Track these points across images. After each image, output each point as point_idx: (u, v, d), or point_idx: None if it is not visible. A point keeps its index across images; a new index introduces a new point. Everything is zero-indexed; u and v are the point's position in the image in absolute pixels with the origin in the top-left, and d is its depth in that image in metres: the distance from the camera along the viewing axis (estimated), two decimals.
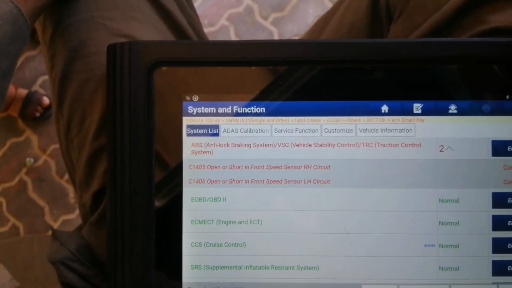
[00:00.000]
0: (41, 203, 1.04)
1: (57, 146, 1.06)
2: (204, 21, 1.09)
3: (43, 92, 1.07)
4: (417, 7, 0.38)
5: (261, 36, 1.07)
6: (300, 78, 0.28)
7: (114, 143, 0.29)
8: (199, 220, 0.29)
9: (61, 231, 0.33)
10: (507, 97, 0.28)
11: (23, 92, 1.03)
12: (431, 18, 0.35)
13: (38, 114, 1.03)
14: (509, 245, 0.28)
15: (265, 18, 1.08)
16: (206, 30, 1.09)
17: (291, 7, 1.09)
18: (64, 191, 1.04)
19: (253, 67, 0.29)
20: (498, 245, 0.28)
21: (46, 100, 1.03)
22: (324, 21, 0.54)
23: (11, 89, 1.01)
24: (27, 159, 1.05)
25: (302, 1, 1.08)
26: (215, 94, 0.29)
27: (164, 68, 0.29)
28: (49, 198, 1.04)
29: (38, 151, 1.06)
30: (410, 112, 0.28)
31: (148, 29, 0.36)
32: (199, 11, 1.09)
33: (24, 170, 1.05)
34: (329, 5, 1.06)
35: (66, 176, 1.05)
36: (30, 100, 1.02)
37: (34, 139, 1.07)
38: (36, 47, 1.08)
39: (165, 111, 0.29)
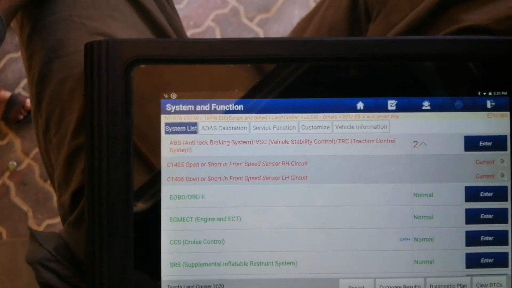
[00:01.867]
0: (25, 207, 1.03)
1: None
2: (190, 22, 1.09)
3: (26, 94, 1.06)
4: (393, 7, 0.39)
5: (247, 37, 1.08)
6: (277, 76, 0.29)
7: (92, 142, 0.29)
8: (178, 218, 0.29)
9: (39, 232, 0.32)
10: (479, 93, 0.28)
11: (6, 94, 1.01)
12: (407, 18, 0.36)
13: (21, 117, 1.02)
14: (482, 238, 0.28)
15: (251, 19, 1.09)
16: (192, 31, 1.09)
17: (276, 9, 1.09)
18: (48, 195, 1.03)
19: (231, 65, 0.29)
20: (471, 238, 0.28)
21: (29, 103, 1.02)
22: (306, 21, 0.55)
23: None
24: (10, 162, 1.03)
25: (288, 2, 1.09)
26: (194, 91, 0.29)
27: (142, 66, 0.29)
28: (32, 202, 1.03)
29: (21, 155, 1.05)
30: (384, 109, 0.28)
31: (127, 28, 0.36)
32: (184, 12, 1.09)
33: (7, 174, 1.04)
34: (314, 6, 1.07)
35: (49, 182, 1.03)
36: (14, 102, 1.00)
37: (17, 142, 1.05)
38: (18, 49, 1.07)
39: (143, 109, 0.29)
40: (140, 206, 0.29)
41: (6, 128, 1.06)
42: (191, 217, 0.29)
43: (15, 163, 1.03)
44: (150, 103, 0.29)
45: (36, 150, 1.05)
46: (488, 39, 0.29)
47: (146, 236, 0.29)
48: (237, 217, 0.29)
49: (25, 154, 1.05)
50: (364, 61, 0.29)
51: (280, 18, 1.09)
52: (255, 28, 1.09)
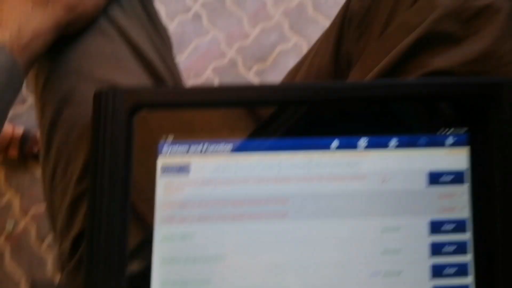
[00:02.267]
0: (18, 274, 1.00)
1: (39, 207, 1.04)
2: (190, 73, 1.14)
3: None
4: (369, 55, 0.42)
5: None
6: (262, 117, 0.31)
7: (95, 187, 0.30)
8: (169, 259, 0.30)
9: (39, 280, 0.34)
10: (441, 129, 0.31)
11: (19, 131, 1.02)
12: (381, 64, 0.39)
13: (36, 149, 1.01)
14: (445, 270, 0.30)
15: (249, 69, 1.14)
16: (193, 81, 1.14)
17: (272, 59, 1.14)
18: (42, 261, 0.95)
19: (221, 109, 0.31)
20: (436, 271, 0.30)
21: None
22: (295, 70, 0.58)
23: (9, 129, 1.02)
24: (8, 221, 1.02)
25: (283, 53, 1.14)
26: (188, 133, 0.31)
27: (144, 112, 0.31)
28: (26, 269, 0.97)
29: (19, 213, 1.03)
30: (356, 147, 0.31)
31: (131, 79, 0.39)
32: (186, 63, 1.14)
33: (2, 238, 1.01)
34: None
35: (45, 244, 1.02)
36: (27, 138, 1.01)
37: (16, 201, 1.05)
38: (24, 103, 1.09)
39: (142, 153, 0.31)
40: (134, 247, 0.30)
41: (5, 186, 1.05)
42: (181, 258, 0.30)
43: (13, 223, 1.02)
44: (149, 147, 0.31)
45: (35, 207, 1.03)
46: (448, 81, 0.31)
47: (139, 279, 0.30)
48: (222, 256, 0.30)
49: (23, 212, 1.03)
50: (340, 103, 0.31)
51: (276, 67, 1.13)
52: (252, 78, 1.13)
